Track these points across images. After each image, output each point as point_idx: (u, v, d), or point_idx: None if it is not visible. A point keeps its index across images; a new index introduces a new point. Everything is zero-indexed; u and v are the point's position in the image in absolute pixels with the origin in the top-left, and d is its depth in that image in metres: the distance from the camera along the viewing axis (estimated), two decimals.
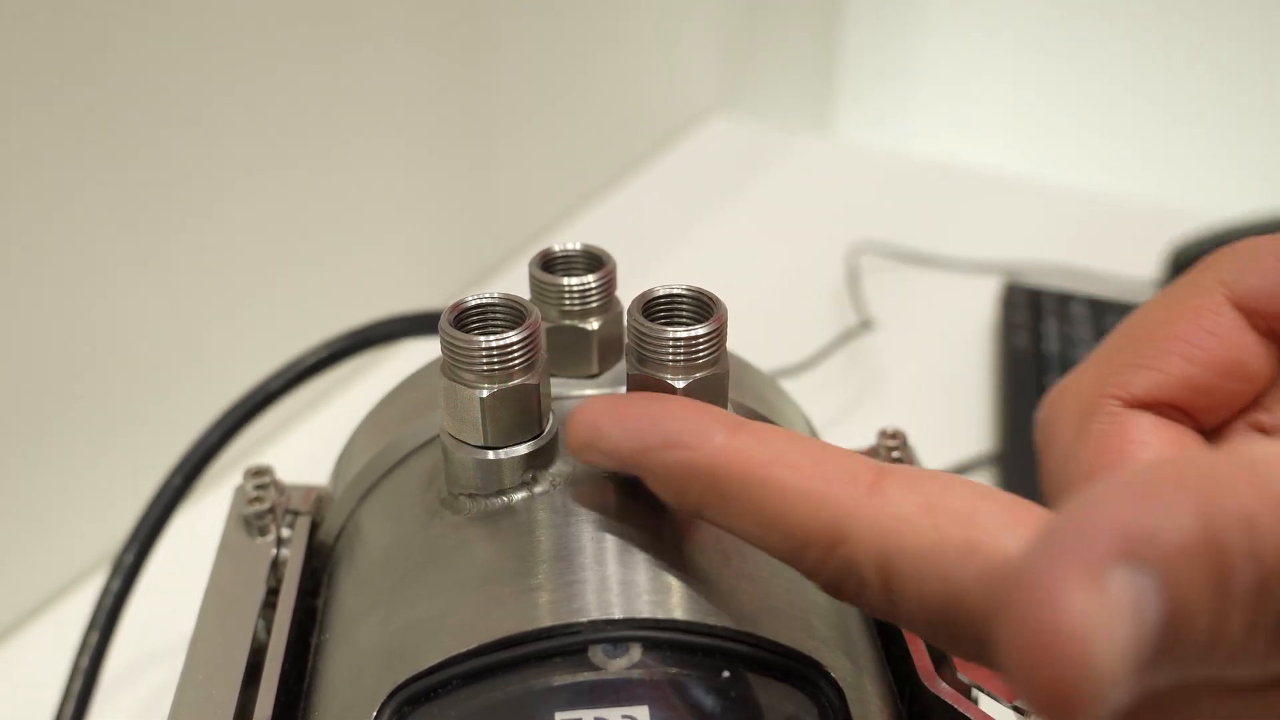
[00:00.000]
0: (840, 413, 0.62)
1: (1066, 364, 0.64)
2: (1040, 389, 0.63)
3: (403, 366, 0.35)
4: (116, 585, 0.40)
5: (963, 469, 0.59)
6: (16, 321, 0.50)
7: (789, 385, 0.60)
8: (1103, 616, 0.15)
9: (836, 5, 1.14)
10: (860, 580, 0.21)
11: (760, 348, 0.63)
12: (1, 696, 0.49)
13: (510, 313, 0.28)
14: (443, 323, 0.27)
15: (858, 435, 0.36)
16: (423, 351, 0.36)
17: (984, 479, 0.59)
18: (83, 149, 0.51)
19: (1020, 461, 0.59)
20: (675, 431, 0.24)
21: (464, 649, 0.24)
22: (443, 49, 0.69)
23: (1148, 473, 0.16)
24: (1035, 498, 0.59)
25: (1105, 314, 0.68)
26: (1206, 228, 0.72)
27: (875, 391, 0.65)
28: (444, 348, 0.27)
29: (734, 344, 0.36)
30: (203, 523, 0.44)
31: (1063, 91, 1.13)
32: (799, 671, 0.25)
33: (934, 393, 0.65)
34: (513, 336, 0.27)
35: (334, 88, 0.62)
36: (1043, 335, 0.66)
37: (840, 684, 0.25)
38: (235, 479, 0.35)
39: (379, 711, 0.24)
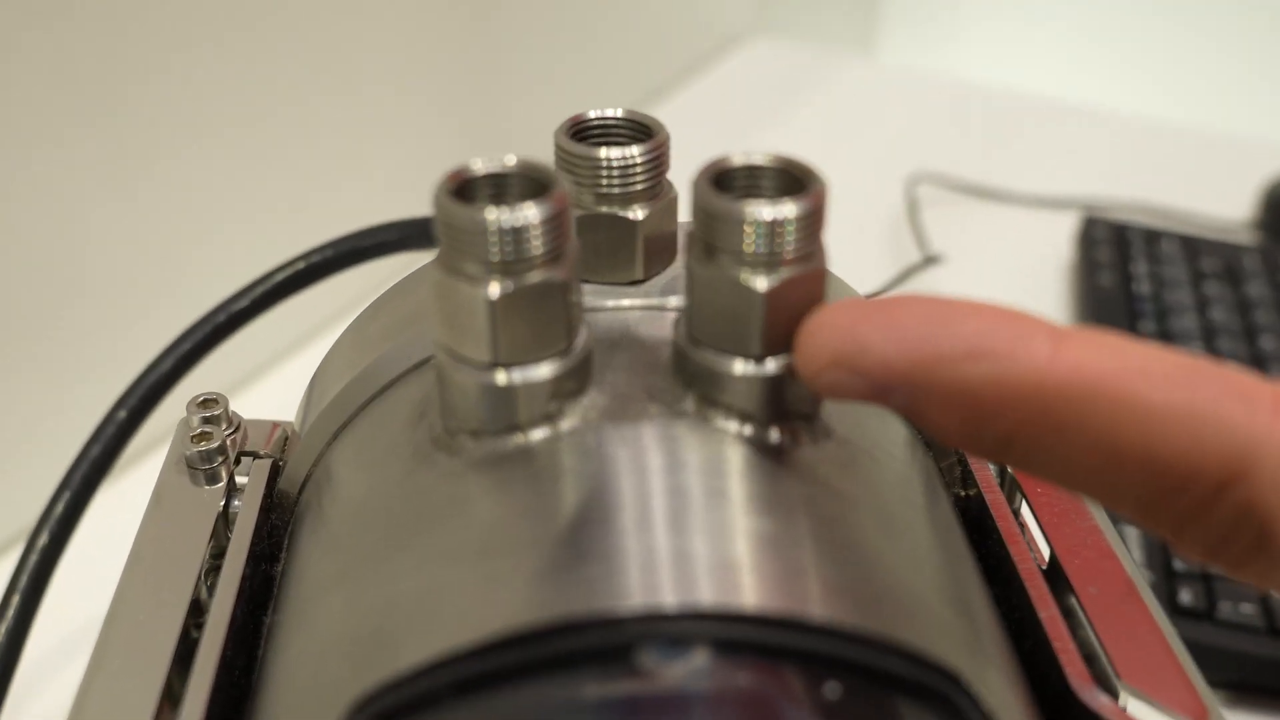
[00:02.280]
0: None
1: (1163, 308, 0.56)
2: (1133, 334, 0.55)
3: None
4: (44, 541, 0.33)
5: None
6: None
7: None
8: None
9: None
10: (1261, 532, 0.16)
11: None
12: None
13: (529, 184, 0.20)
14: (438, 193, 0.20)
15: None
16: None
17: None
18: (51, 63, 0.43)
19: None
20: (978, 334, 0.18)
21: (458, 645, 0.17)
22: None
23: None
24: None
25: (1200, 254, 0.60)
26: None
27: None
28: (440, 228, 0.20)
29: None
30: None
31: (1129, 14, 1.05)
32: (932, 686, 0.18)
33: None
34: (533, 212, 0.19)
35: (335, 2, 0.55)
36: (1133, 276, 0.58)
37: (981, 703, 0.18)
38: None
39: None
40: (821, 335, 0.19)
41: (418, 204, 0.62)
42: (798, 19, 0.97)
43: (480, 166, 0.20)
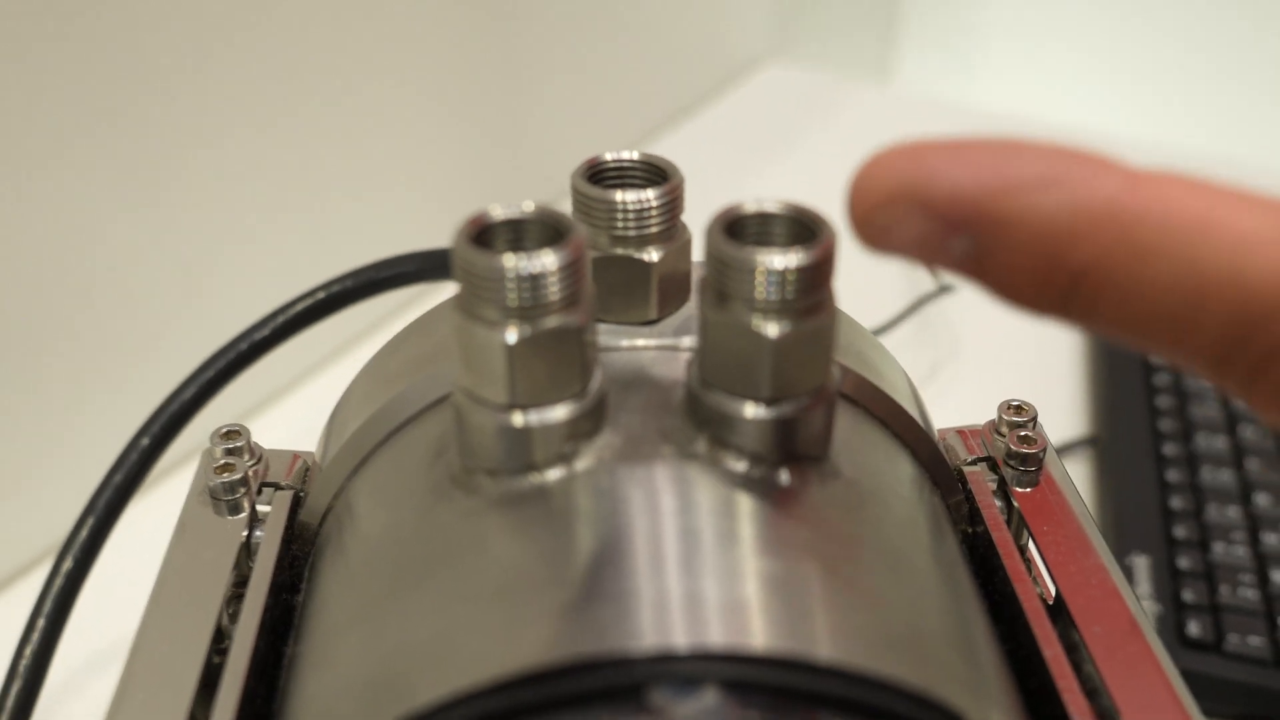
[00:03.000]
0: (916, 382, 0.55)
1: None
2: (1144, 364, 0.55)
3: None
4: (69, 565, 0.33)
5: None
6: None
7: None
8: None
9: None
10: None
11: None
12: None
13: (547, 231, 0.21)
14: (458, 240, 0.20)
15: (938, 409, 0.29)
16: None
17: (1078, 467, 0.52)
18: (78, 77, 0.44)
19: (1122, 447, 0.51)
20: (1053, 165, 0.17)
21: (475, 684, 0.18)
22: None
23: None
24: (1138, 489, 0.50)
25: None
26: None
27: (953, 361, 0.58)
28: (459, 273, 0.20)
29: None
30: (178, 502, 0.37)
31: (1142, 43, 1.05)
32: None
33: (1019, 365, 0.58)
34: (550, 259, 0.20)
35: (353, 15, 0.55)
36: None
37: None
38: None
39: None
40: (886, 164, 0.18)
41: (435, 228, 0.63)
42: (816, 45, 0.97)
43: (499, 213, 0.21)
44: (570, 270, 0.20)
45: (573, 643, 0.18)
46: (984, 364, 0.57)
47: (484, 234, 0.21)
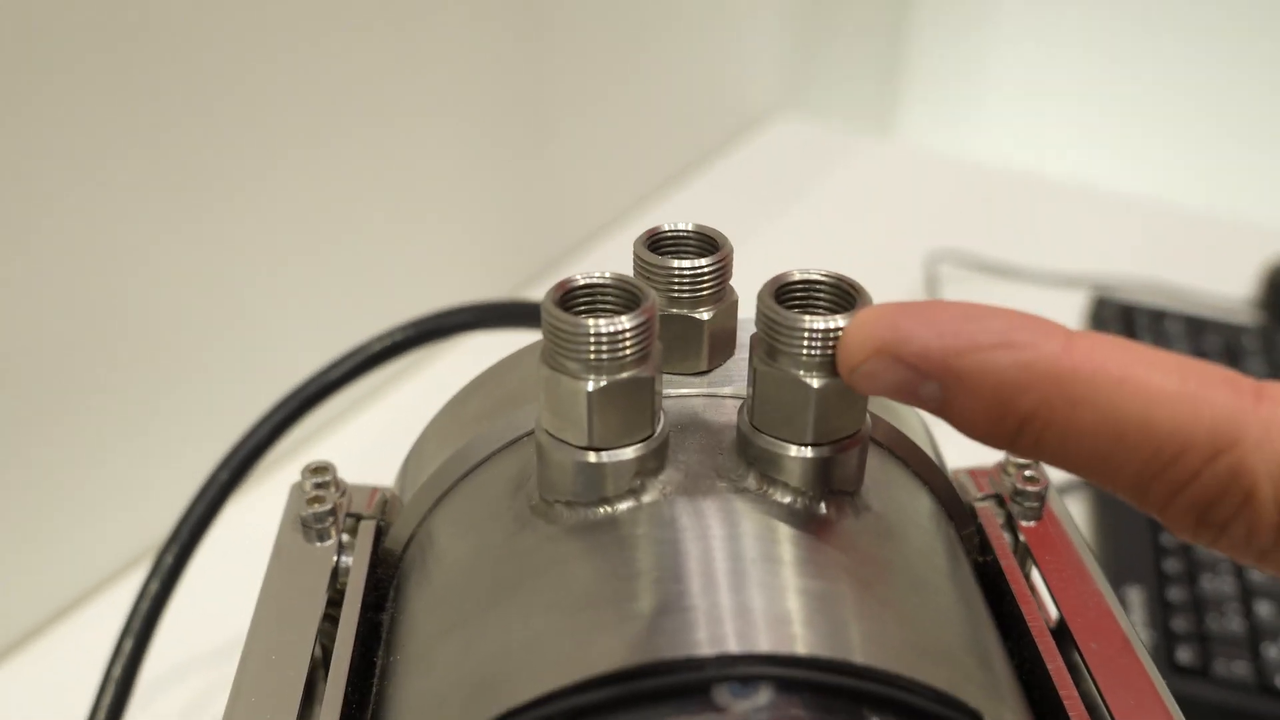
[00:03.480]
0: (931, 428, 0.58)
1: None
2: None
3: (461, 360, 0.32)
4: (155, 588, 0.36)
5: None
6: (54, 302, 0.47)
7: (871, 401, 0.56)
8: None
9: (904, 7, 1.11)
10: (1248, 496, 0.19)
11: None
12: (29, 702, 0.46)
13: (623, 295, 0.24)
14: (546, 302, 0.23)
15: (950, 450, 0.32)
16: (485, 344, 0.32)
17: (1077, 506, 0.55)
18: (127, 126, 0.48)
19: None
20: (1005, 329, 0.20)
21: (566, 683, 0.21)
22: (504, 36, 0.65)
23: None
24: (1132, 526, 0.54)
25: (1203, 333, 0.64)
26: None
27: None
28: (547, 331, 0.23)
29: None
30: (248, 521, 0.40)
31: (1141, 100, 1.09)
32: None
33: None
34: (627, 322, 0.23)
35: (390, 70, 0.59)
36: None
37: None
38: (282, 475, 0.32)
39: None
40: (867, 327, 0.22)
41: (465, 264, 0.67)
42: (824, 99, 1.01)
43: (581, 279, 0.24)
44: (643, 330, 0.23)
45: (648, 648, 0.21)
46: None
47: (568, 297, 0.24)
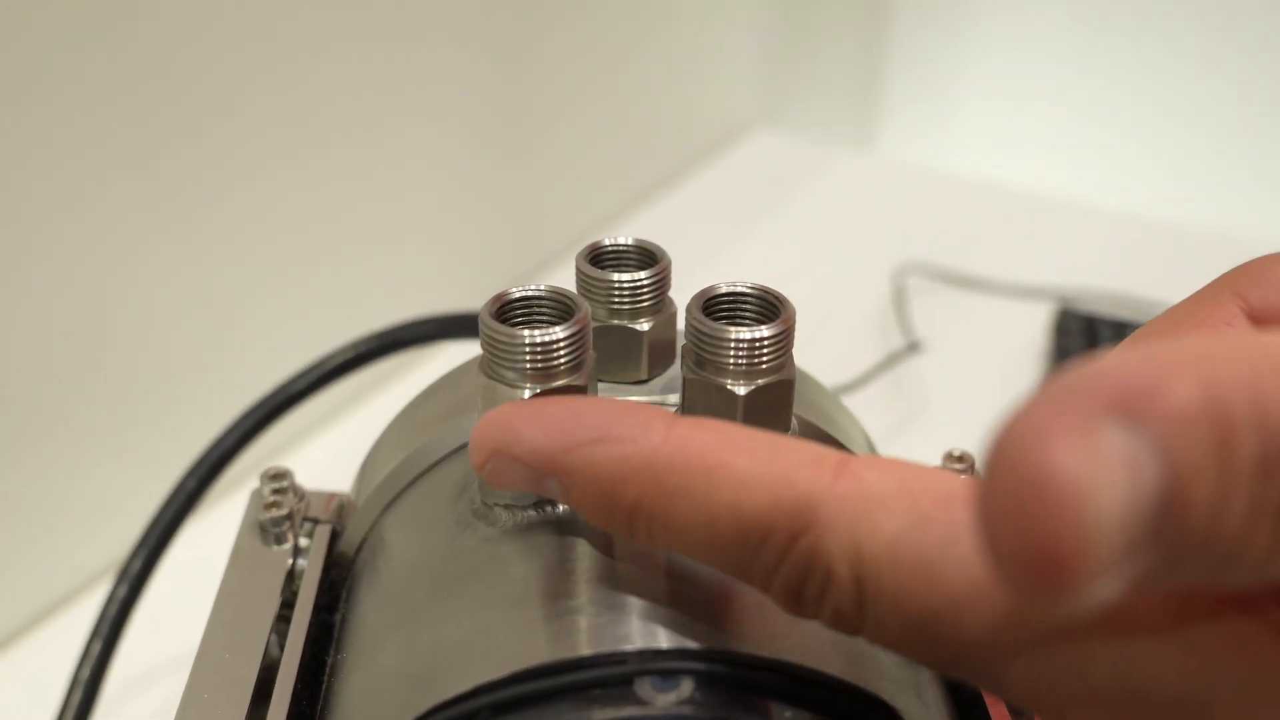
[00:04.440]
0: (885, 438, 0.59)
1: None
2: None
3: (435, 371, 0.33)
4: (123, 593, 0.37)
5: None
6: (21, 313, 0.48)
7: None
8: (1096, 472, 0.13)
9: (881, 20, 1.12)
10: (827, 576, 0.19)
11: (802, 366, 0.60)
12: None
13: (557, 307, 0.25)
14: (484, 314, 0.25)
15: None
16: (455, 356, 0.33)
17: None
18: (108, 137, 0.49)
19: None
20: (606, 425, 0.21)
21: (496, 676, 0.22)
22: (484, 50, 0.67)
23: (1148, 347, 0.14)
24: None
25: None
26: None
27: (921, 417, 0.62)
28: (484, 342, 0.25)
29: None
30: (216, 531, 0.41)
31: (1116, 113, 1.11)
32: (865, 713, 0.22)
33: (982, 420, 0.62)
34: (559, 332, 0.24)
35: (368, 84, 0.60)
36: None
37: None
38: (254, 485, 0.33)
39: None
40: (484, 430, 0.22)
41: (445, 278, 0.68)
42: (801, 113, 1.02)
43: (518, 292, 0.25)
44: (576, 340, 0.24)
45: (574, 644, 0.22)
46: (951, 419, 0.62)
47: (505, 309, 0.25)
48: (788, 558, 0.19)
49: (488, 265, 0.72)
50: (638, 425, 0.21)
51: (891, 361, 0.63)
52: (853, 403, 0.60)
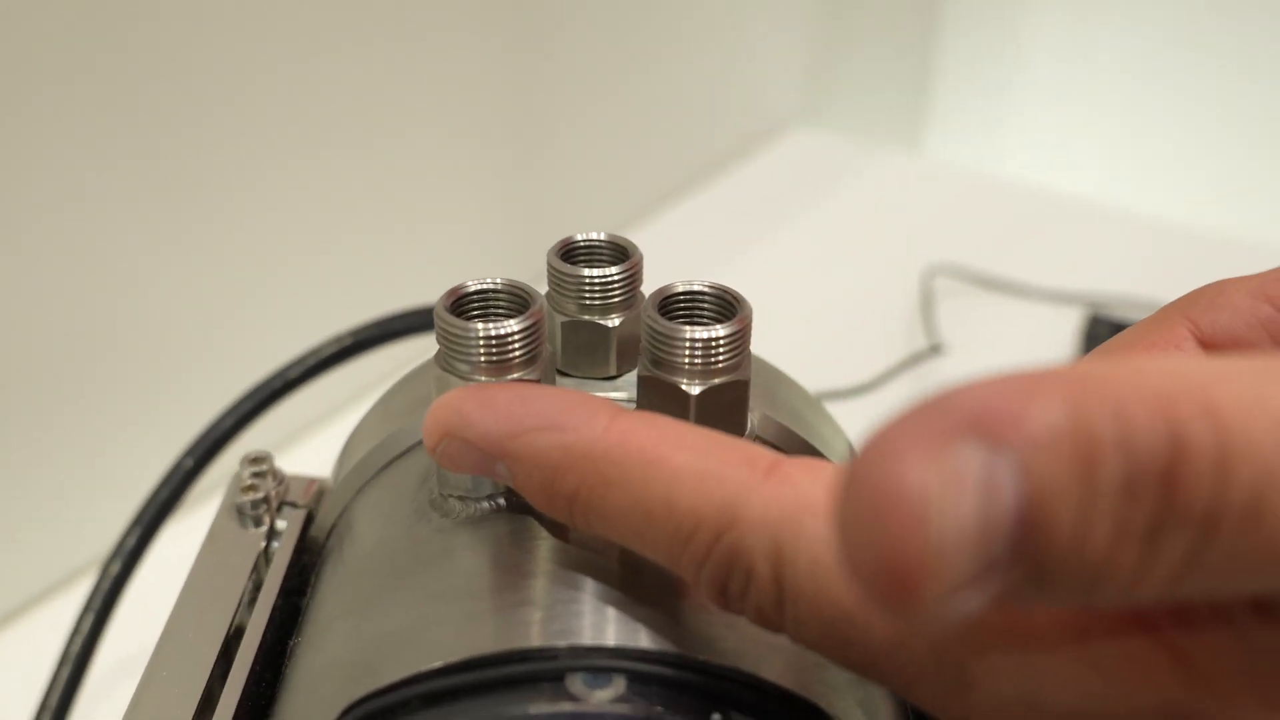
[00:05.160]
0: None
1: None
2: None
3: None
4: (116, 569, 0.38)
5: None
6: (20, 300, 0.48)
7: (850, 405, 0.57)
8: (943, 488, 0.13)
9: (931, 20, 1.11)
10: (749, 573, 0.19)
11: (823, 365, 0.60)
12: None
13: (513, 300, 0.25)
14: (439, 307, 0.25)
15: None
16: None
17: None
18: (117, 122, 0.49)
19: None
20: (552, 413, 0.21)
21: (428, 666, 0.22)
22: (506, 36, 0.67)
23: (1020, 371, 0.15)
24: None
25: None
26: None
27: None
28: (439, 334, 0.25)
29: (794, 359, 0.33)
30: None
31: (1164, 121, 1.08)
32: (800, 718, 0.22)
33: None
34: (512, 325, 0.24)
35: (388, 73, 0.60)
36: None
37: None
38: None
39: None
40: (436, 413, 0.22)
41: (460, 271, 0.68)
42: (846, 112, 1.01)
43: (473, 285, 0.25)
44: (529, 333, 0.24)
45: (510, 638, 0.22)
46: None
47: (461, 302, 0.25)
48: (713, 553, 0.20)
49: (513, 259, 0.72)
50: (583, 415, 0.21)
51: (912, 362, 0.63)
52: (870, 401, 0.59)
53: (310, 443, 0.60)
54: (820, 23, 0.95)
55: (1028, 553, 0.14)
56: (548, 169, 0.73)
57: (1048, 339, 0.68)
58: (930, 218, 0.82)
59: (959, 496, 0.13)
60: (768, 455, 0.20)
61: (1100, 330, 0.66)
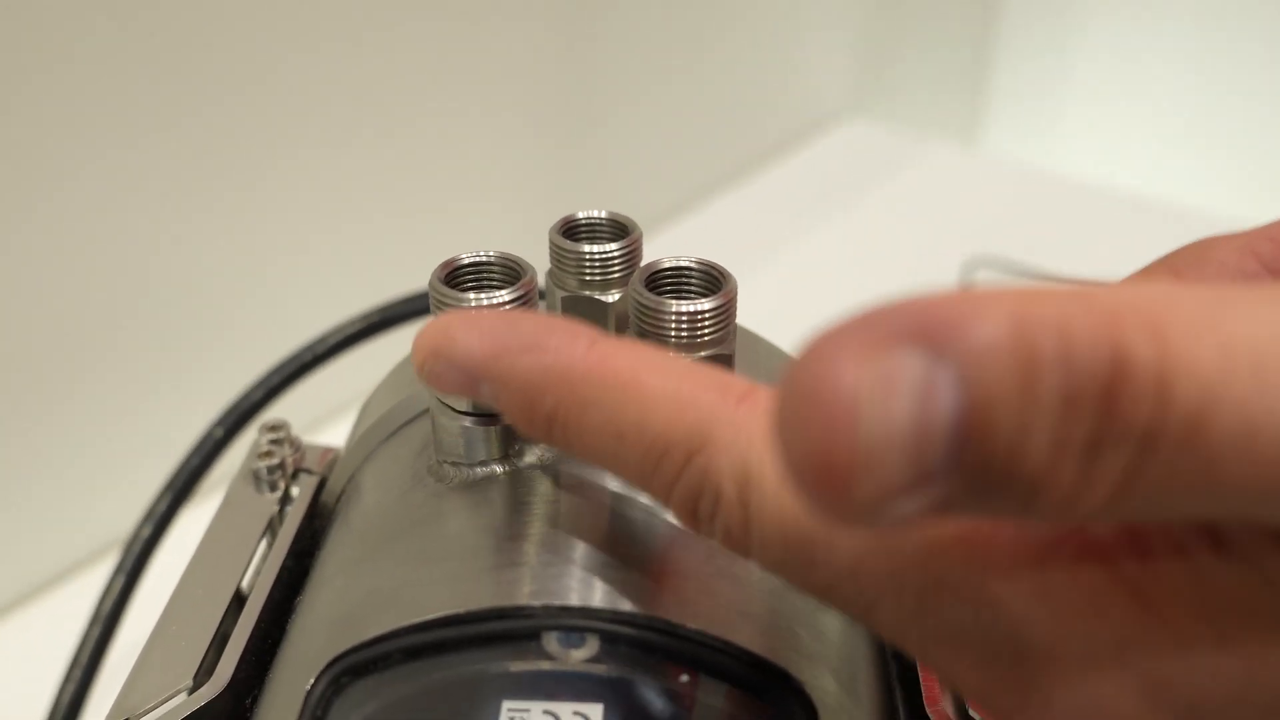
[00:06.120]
0: None
1: None
2: None
3: None
4: (147, 532, 0.39)
5: None
6: (49, 281, 0.50)
7: None
8: (876, 387, 0.14)
9: (988, 14, 1.10)
10: (717, 495, 0.20)
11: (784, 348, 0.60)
12: (28, 649, 0.50)
13: (505, 272, 0.26)
14: (433, 279, 0.26)
15: None
16: None
17: None
18: (151, 96, 0.51)
19: None
20: (534, 334, 0.22)
21: (407, 623, 0.23)
22: (556, 25, 0.67)
23: (964, 290, 0.15)
24: None
25: None
26: None
27: None
28: (433, 303, 0.25)
29: None
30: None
31: (1221, 118, 1.07)
32: (769, 685, 0.23)
33: None
34: (504, 296, 0.25)
35: (432, 58, 0.61)
36: None
37: (816, 704, 0.22)
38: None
39: (316, 679, 0.23)
40: (425, 335, 0.23)
41: (515, 252, 0.69)
42: (899, 105, 1.00)
43: (466, 258, 0.26)
44: (520, 304, 0.25)
45: (486, 596, 0.23)
46: None
47: (455, 274, 0.26)
48: (683, 474, 0.20)
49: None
50: (564, 339, 0.22)
51: None
52: None
53: (337, 425, 0.61)
54: (875, 15, 0.95)
55: (964, 462, 0.14)
56: (594, 157, 0.74)
57: None
58: (980, 211, 0.82)
59: (892, 398, 0.14)
60: (741, 383, 0.21)
61: None
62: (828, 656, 0.24)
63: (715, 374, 0.21)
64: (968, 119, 1.13)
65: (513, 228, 0.70)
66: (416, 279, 0.62)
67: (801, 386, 0.14)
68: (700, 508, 0.20)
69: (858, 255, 0.76)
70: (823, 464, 0.14)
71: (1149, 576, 0.17)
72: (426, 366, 0.23)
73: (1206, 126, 1.08)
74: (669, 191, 0.80)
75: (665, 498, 0.21)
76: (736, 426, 0.20)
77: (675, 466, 0.20)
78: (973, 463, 0.14)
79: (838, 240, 0.78)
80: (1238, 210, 0.91)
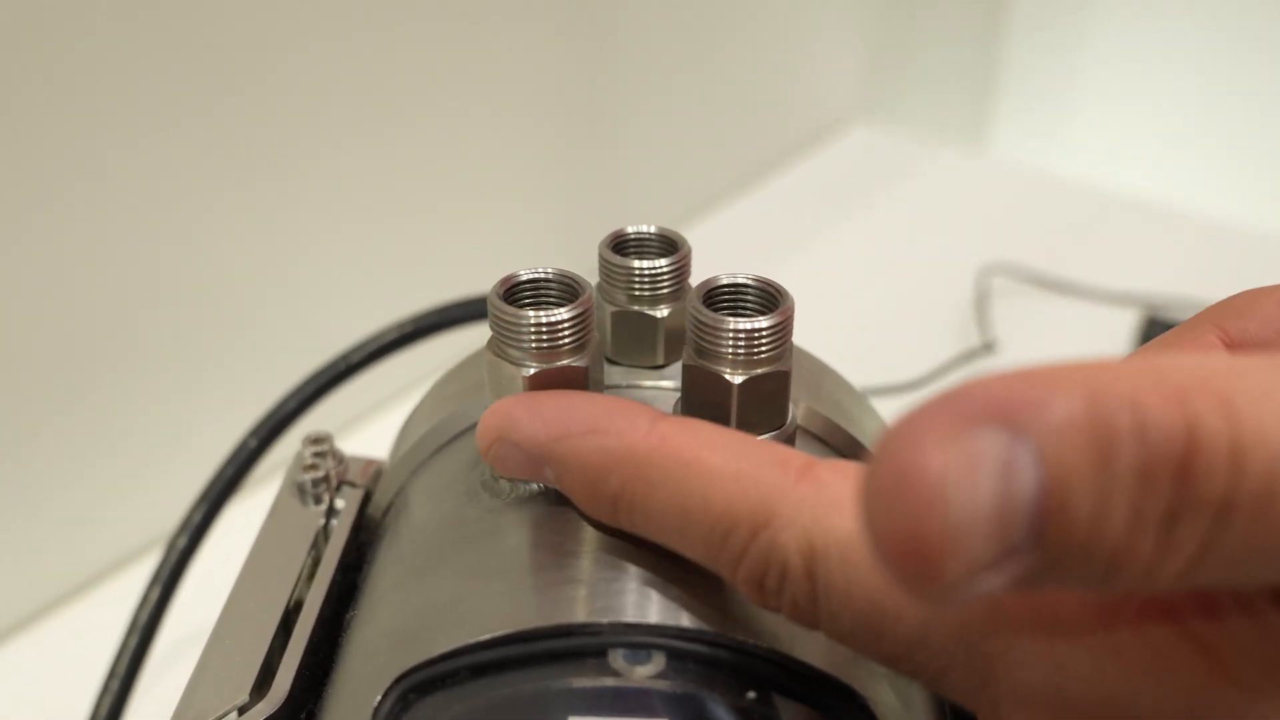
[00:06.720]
0: None
1: None
2: None
3: None
4: (183, 543, 0.39)
5: None
6: (85, 286, 0.50)
7: (900, 400, 0.58)
8: (962, 468, 0.14)
9: (997, 18, 1.10)
10: (784, 570, 0.20)
11: (876, 359, 0.61)
12: (64, 656, 0.50)
13: (564, 289, 0.26)
14: (492, 295, 0.26)
15: None
16: None
17: None
18: (189, 95, 0.51)
19: None
20: (596, 418, 0.23)
21: (474, 639, 0.23)
22: (569, 30, 0.68)
23: (1038, 365, 0.15)
24: None
25: None
26: None
27: None
28: (492, 321, 0.26)
29: (848, 353, 0.33)
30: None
31: (1231, 123, 1.07)
32: (833, 701, 0.23)
33: None
34: (562, 314, 0.25)
35: (446, 67, 0.62)
36: None
37: (878, 718, 0.23)
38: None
39: (384, 696, 0.23)
40: (489, 418, 0.24)
41: (528, 257, 0.69)
42: (909, 109, 1.01)
43: (525, 274, 0.26)
44: (579, 321, 0.25)
45: (553, 613, 0.23)
46: None
47: (513, 291, 0.26)
48: (749, 550, 0.21)
49: (571, 251, 0.73)
50: (624, 420, 0.23)
51: (963, 360, 0.63)
52: (919, 398, 0.59)
53: (370, 428, 0.61)
54: (884, 21, 0.95)
55: (1046, 537, 0.14)
56: (608, 163, 0.74)
57: (1103, 340, 0.68)
58: (990, 216, 0.82)
59: (978, 478, 0.14)
60: (800, 457, 0.21)
61: (1156, 332, 0.65)
62: (889, 674, 0.24)
63: (774, 449, 0.21)
64: (976, 123, 1.14)
65: (531, 231, 0.70)
66: (440, 283, 0.63)
67: (890, 469, 0.14)
68: (767, 582, 0.21)
69: (870, 260, 0.76)
70: (912, 545, 0.14)
71: (1217, 634, 0.17)
72: (492, 451, 0.24)
73: (1216, 130, 1.09)
74: (680, 196, 0.81)
75: (732, 573, 0.21)
76: (799, 502, 0.20)
77: (741, 542, 0.21)
78: (1053, 537, 0.15)
79: (849, 245, 0.78)
80: (1250, 214, 0.92)
